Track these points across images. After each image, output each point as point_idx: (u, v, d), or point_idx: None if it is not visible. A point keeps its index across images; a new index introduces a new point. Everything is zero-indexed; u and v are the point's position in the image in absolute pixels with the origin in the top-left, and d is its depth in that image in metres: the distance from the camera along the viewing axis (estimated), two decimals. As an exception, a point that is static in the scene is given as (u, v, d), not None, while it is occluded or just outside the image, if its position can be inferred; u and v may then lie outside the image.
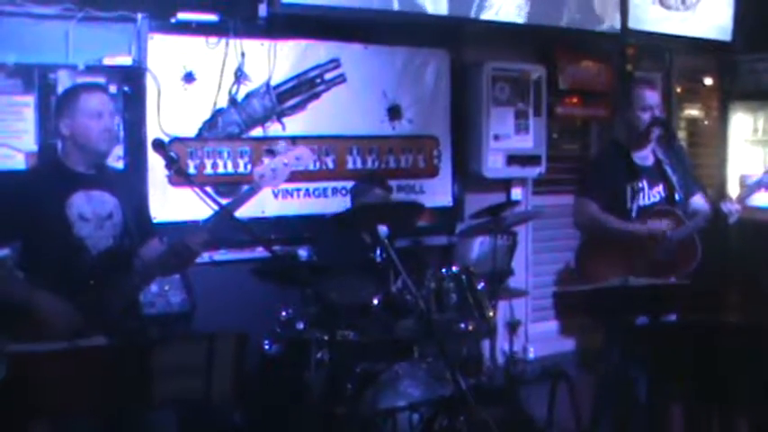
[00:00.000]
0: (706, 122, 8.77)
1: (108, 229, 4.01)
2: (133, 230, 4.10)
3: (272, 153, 4.30)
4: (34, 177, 4.21)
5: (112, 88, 5.32)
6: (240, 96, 5.94)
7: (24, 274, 3.90)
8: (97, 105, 4.01)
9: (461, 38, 6.90)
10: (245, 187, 4.29)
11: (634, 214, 4.97)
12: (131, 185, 4.41)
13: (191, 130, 5.78)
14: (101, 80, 5.27)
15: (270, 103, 6.04)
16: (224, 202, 4.25)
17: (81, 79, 5.17)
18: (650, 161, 5.09)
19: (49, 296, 3.77)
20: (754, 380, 3.50)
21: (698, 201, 5.10)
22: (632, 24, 7.40)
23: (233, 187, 5.81)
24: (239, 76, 5.91)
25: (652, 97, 5.04)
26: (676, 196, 4.99)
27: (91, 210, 3.97)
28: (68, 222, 3.91)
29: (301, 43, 6.16)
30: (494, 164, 6.93)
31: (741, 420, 3.52)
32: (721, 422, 3.51)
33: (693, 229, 4.90)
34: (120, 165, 5.38)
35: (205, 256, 5.37)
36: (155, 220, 5.32)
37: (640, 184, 5.00)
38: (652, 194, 5.02)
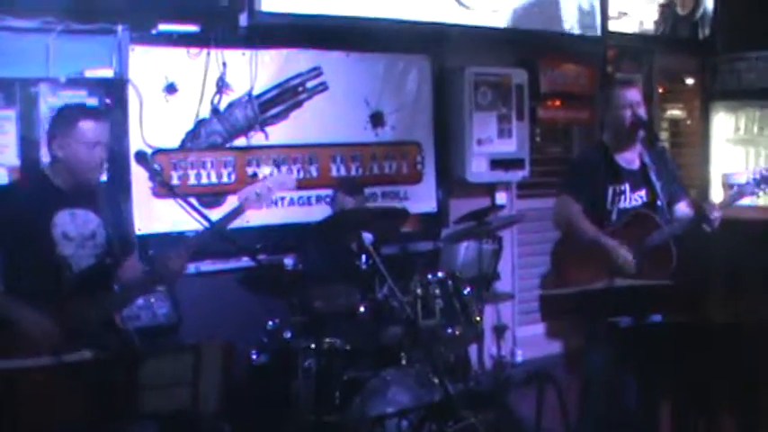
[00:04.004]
0: (688, 122, 8.81)
1: (90, 248, 4.00)
2: (116, 248, 4.09)
3: (256, 177, 4.34)
4: (19, 192, 4.19)
5: (94, 101, 5.32)
6: (222, 106, 5.93)
7: (2, 288, 3.88)
8: (94, 135, 3.98)
9: (442, 43, 6.91)
10: (231, 207, 4.29)
11: (614, 216, 4.97)
12: (114, 201, 4.40)
13: (174, 142, 5.77)
14: (82, 93, 5.27)
15: (252, 113, 6.04)
16: (208, 212, 4.26)
17: (63, 92, 5.17)
18: (636, 165, 5.08)
19: (29, 310, 3.76)
20: (740, 379, 3.52)
21: (682, 208, 5.08)
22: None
23: (217, 198, 5.81)
24: (221, 86, 5.90)
25: (632, 95, 5.04)
26: (658, 202, 4.98)
27: (75, 229, 3.96)
28: (53, 241, 3.90)
29: (282, 52, 6.16)
30: (477, 168, 6.94)
31: (727, 419, 3.53)
32: (708, 422, 3.53)
33: (670, 236, 4.90)
34: (103, 177, 5.36)
35: (191, 267, 5.37)
36: (139, 233, 5.36)
37: (622, 187, 4.99)
38: (634, 198, 5.01)
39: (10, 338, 3.68)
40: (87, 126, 3.99)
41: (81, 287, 3.92)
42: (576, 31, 7.34)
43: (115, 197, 4.50)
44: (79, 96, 5.24)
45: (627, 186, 4.99)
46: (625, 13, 7.85)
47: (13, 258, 3.88)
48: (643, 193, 5.03)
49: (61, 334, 3.75)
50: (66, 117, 4.08)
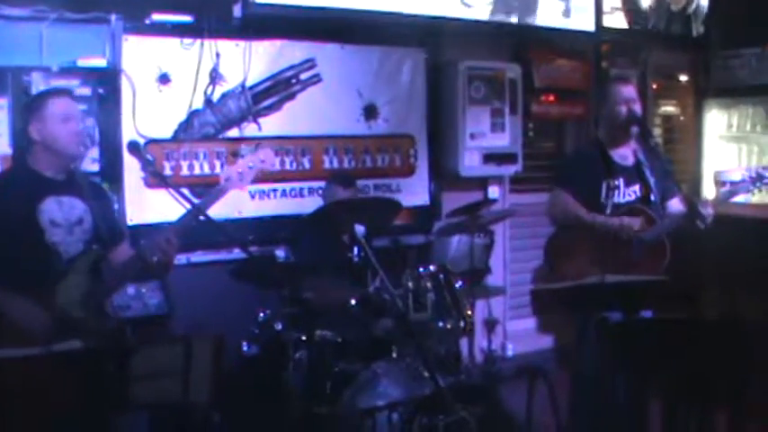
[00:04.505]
0: (681, 119, 8.82)
1: (78, 234, 4.01)
2: (104, 235, 4.09)
3: (236, 156, 4.32)
4: (4, 183, 4.19)
5: (86, 90, 5.31)
6: (215, 97, 5.92)
7: None
8: (65, 109, 4.02)
9: (437, 37, 6.91)
10: (215, 188, 4.28)
11: (608, 211, 4.97)
12: (101, 190, 4.41)
13: (166, 132, 5.76)
14: (75, 82, 5.26)
15: (245, 104, 6.03)
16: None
17: (55, 81, 5.16)
18: (630, 161, 5.10)
19: (20, 299, 3.76)
20: (732, 375, 3.52)
21: (675, 204, 5.11)
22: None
23: (209, 188, 5.78)
24: (214, 76, 5.89)
25: (627, 91, 5.07)
26: (652, 197, 5.00)
27: (62, 215, 3.97)
28: (40, 228, 3.90)
29: (276, 43, 6.15)
30: (470, 162, 6.94)
31: (719, 415, 3.54)
32: (699, 418, 3.53)
33: (664, 231, 4.91)
34: (95, 167, 5.36)
35: (182, 258, 5.37)
36: (131, 223, 5.35)
37: (617, 182, 5.00)
38: (628, 193, 5.03)
39: (4, 330, 3.68)
40: (57, 101, 4.05)
41: (71, 274, 3.92)
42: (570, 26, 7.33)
43: (102, 188, 4.50)
44: (72, 85, 5.23)
45: (621, 181, 5.00)
46: (618, 9, 7.85)
47: (3, 249, 3.86)
48: (637, 188, 5.05)
49: (52, 322, 3.74)
50: (37, 100, 4.16)
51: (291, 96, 6.24)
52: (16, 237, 3.86)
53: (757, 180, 4.99)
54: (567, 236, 5.04)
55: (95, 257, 4.06)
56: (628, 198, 5.03)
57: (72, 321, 3.79)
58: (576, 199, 4.99)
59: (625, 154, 5.10)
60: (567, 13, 7.22)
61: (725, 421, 3.51)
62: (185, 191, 4.39)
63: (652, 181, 5.01)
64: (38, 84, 5.14)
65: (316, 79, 6.33)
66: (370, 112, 6.61)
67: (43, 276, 3.87)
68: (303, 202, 6.23)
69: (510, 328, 7.61)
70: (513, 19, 6.76)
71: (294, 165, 6.24)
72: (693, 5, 8.34)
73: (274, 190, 6.15)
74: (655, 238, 4.89)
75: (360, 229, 4.58)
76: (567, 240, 5.03)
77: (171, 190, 4.04)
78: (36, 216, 3.90)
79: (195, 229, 4.16)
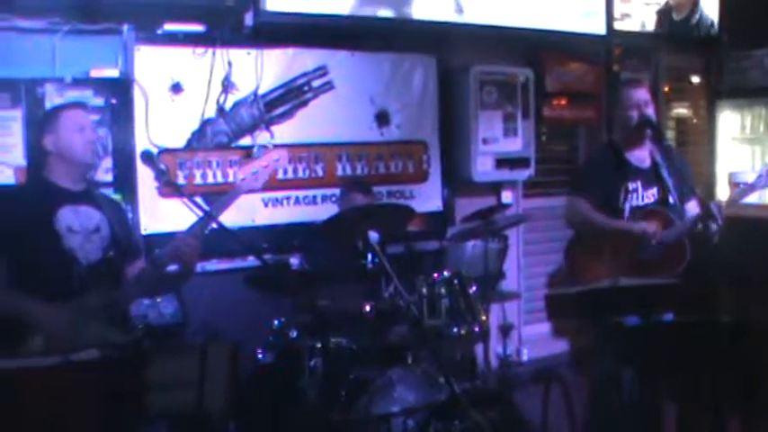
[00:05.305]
0: (694, 121, 8.80)
1: (96, 241, 4.03)
2: (122, 244, 4.11)
3: (250, 157, 4.33)
4: (21, 194, 4.24)
5: (100, 101, 5.34)
6: (228, 106, 5.94)
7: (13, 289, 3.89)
8: (79, 120, 4.07)
9: (448, 42, 6.91)
10: (230, 190, 4.29)
11: (626, 214, 4.97)
12: (117, 204, 4.45)
13: (179, 141, 5.78)
14: (88, 93, 5.29)
15: (258, 112, 6.04)
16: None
17: (68, 92, 5.20)
18: (647, 163, 5.09)
19: (41, 307, 3.78)
20: (746, 378, 3.51)
21: (692, 207, 5.10)
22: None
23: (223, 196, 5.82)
24: (227, 85, 5.91)
25: (640, 94, 5.05)
26: (670, 199, 4.99)
27: (78, 223, 3.99)
28: (58, 235, 3.93)
29: (288, 51, 6.17)
30: (483, 167, 6.94)
31: (733, 420, 3.53)
32: (713, 422, 3.52)
33: (683, 232, 4.90)
34: (108, 177, 5.39)
35: (197, 267, 5.38)
36: (145, 232, 5.37)
37: (634, 185, 5.00)
38: (646, 196, 5.02)
39: (22, 335, 3.71)
40: (71, 113, 4.11)
41: (91, 281, 3.94)
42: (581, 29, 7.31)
43: (115, 199, 4.52)
44: (85, 96, 5.26)
45: (639, 184, 5.00)
46: (628, 15, 7.83)
47: (22, 259, 3.89)
48: (655, 190, 5.04)
49: (69, 331, 3.76)
50: (52, 113, 4.23)
51: (304, 104, 6.25)
52: (34, 244, 3.89)
53: None
54: (588, 239, 5.04)
55: (113, 267, 4.09)
56: (646, 201, 5.03)
57: (89, 331, 3.80)
58: (595, 205, 4.98)
59: (641, 156, 5.09)
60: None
61: (738, 424, 3.50)
62: (199, 200, 4.41)
63: (670, 182, 5.00)
64: (51, 95, 5.17)
65: (328, 86, 6.34)
66: (382, 118, 6.62)
67: (62, 283, 3.89)
68: (316, 209, 6.24)
69: (525, 333, 7.60)
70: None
71: (307, 172, 6.25)
72: (696, 16, 8.28)
73: (287, 197, 6.17)
74: (675, 239, 4.89)
75: (374, 235, 4.59)
76: (587, 243, 5.03)
77: (185, 199, 4.06)
78: (53, 223, 3.94)
79: (209, 238, 4.17)
